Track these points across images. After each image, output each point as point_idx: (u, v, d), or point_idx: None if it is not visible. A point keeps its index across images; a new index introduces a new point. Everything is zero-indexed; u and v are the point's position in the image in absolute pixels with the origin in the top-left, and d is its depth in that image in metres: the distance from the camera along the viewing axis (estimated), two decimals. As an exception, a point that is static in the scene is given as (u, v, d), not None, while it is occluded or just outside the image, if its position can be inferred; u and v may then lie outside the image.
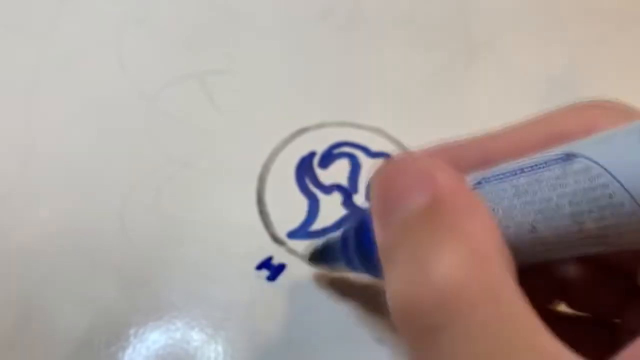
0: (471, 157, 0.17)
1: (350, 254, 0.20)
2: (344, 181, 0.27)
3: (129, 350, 0.22)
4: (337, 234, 0.22)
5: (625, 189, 0.13)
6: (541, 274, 0.19)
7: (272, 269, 0.24)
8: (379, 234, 0.15)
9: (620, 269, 0.17)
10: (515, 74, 0.31)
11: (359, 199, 0.27)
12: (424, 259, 0.13)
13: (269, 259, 0.25)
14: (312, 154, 0.28)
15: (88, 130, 0.28)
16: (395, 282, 0.14)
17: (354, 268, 0.20)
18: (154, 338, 0.23)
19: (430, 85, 0.31)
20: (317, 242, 0.24)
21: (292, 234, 0.25)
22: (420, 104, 0.30)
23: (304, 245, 0.25)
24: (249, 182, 0.27)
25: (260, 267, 0.24)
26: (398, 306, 0.14)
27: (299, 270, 0.24)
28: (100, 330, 0.23)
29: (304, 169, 0.27)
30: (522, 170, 0.15)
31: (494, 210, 0.15)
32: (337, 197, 0.27)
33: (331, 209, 0.26)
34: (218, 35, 0.32)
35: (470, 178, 0.16)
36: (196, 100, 0.29)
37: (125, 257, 0.24)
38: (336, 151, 0.28)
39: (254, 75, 0.30)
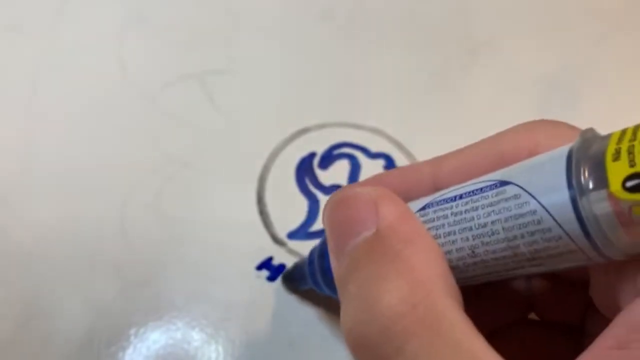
0: (423, 181, 0.18)
1: (316, 277, 0.20)
2: (343, 182, 0.27)
3: (130, 350, 0.22)
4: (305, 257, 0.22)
5: (550, 215, 0.13)
6: (507, 289, 0.20)
7: (273, 269, 0.24)
8: (334, 266, 0.16)
9: (580, 279, 0.17)
10: (515, 74, 0.32)
11: (359, 200, 0.27)
12: (369, 294, 0.14)
13: (269, 259, 0.25)
14: (312, 155, 0.28)
15: (88, 130, 0.28)
16: (347, 316, 0.15)
17: (320, 290, 0.21)
18: (155, 338, 0.23)
19: (430, 86, 0.31)
20: (289, 265, 0.24)
21: (293, 235, 0.25)
22: (420, 105, 0.30)
23: (304, 246, 0.25)
24: (249, 183, 0.27)
25: (260, 267, 0.25)
26: (350, 339, 0.14)
27: (299, 271, 0.25)
28: (100, 330, 0.23)
29: (304, 170, 0.27)
30: (460, 196, 0.15)
31: (435, 236, 0.16)
32: (337, 198, 0.27)
33: (331, 210, 0.26)
34: (218, 36, 0.32)
35: (416, 204, 0.17)
36: (196, 101, 0.29)
37: (125, 257, 0.24)
38: (336, 152, 0.28)
39: (254, 75, 0.30)
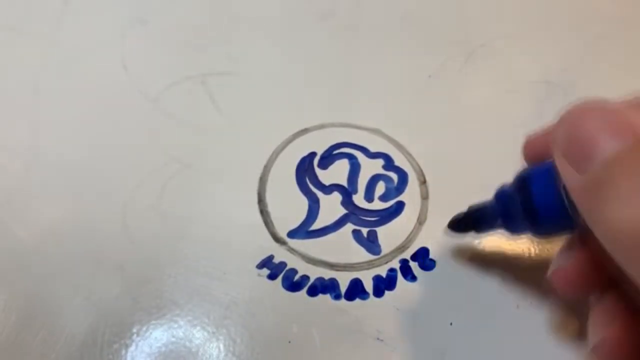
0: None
1: (512, 212, 0.21)
2: (343, 181, 0.27)
3: (132, 348, 0.23)
4: (479, 202, 0.23)
5: None
6: None
7: (273, 268, 0.25)
8: (574, 177, 0.17)
9: None
10: (512, 76, 0.32)
11: (359, 199, 0.27)
12: None
13: (270, 257, 0.25)
14: (312, 155, 0.28)
15: (91, 130, 0.28)
16: (624, 212, 0.15)
17: (512, 228, 0.22)
18: (157, 336, 0.23)
19: (428, 87, 0.31)
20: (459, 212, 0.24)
21: (293, 234, 0.26)
22: (418, 106, 0.30)
23: (304, 245, 0.25)
24: (250, 182, 0.27)
25: (261, 265, 0.25)
26: (631, 232, 0.15)
27: (301, 269, 0.25)
28: (103, 328, 0.23)
29: (304, 169, 0.28)
30: None
31: None
32: (336, 197, 0.27)
33: (331, 209, 0.26)
34: (220, 37, 0.32)
35: None
36: (198, 101, 0.30)
37: (127, 256, 0.25)
38: (336, 152, 0.28)
39: (255, 76, 0.31)
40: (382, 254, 0.25)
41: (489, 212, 0.23)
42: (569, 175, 0.18)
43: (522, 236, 0.22)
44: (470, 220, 0.24)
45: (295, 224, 0.26)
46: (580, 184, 0.17)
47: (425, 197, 0.27)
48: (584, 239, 0.20)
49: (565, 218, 0.19)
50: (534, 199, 0.20)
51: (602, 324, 0.20)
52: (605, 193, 0.16)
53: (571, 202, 0.18)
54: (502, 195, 0.22)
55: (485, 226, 0.23)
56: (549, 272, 0.21)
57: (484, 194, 0.24)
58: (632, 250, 0.15)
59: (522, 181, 0.21)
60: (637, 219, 0.15)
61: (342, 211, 0.27)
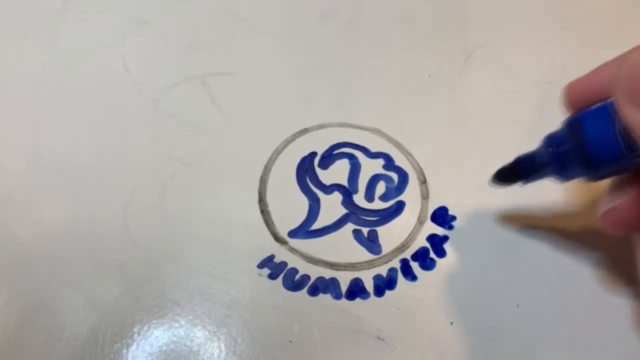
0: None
1: (564, 158, 0.21)
2: (344, 181, 0.27)
3: (133, 348, 0.23)
4: (526, 152, 0.23)
5: None
6: None
7: (274, 267, 0.25)
8: (634, 115, 0.18)
9: None
10: (512, 76, 0.32)
11: (359, 199, 0.27)
12: None
13: (271, 257, 0.25)
14: (312, 155, 0.28)
15: (92, 130, 0.28)
16: None
17: (564, 173, 0.21)
18: (157, 335, 0.23)
19: (428, 87, 0.31)
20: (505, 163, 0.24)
21: (293, 233, 0.26)
22: (418, 106, 0.30)
23: (305, 244, 0.25)
24: (250, 182, 0.27)
25: (262, 265, 0.25)
26: None
27: (301, 269, 0.25)
28: (104, 328, 0.23)
29: (305, 169, 0.28)
30: None
31: None
32: (337, 197, 0.27)
33: (331, 209, 0.27)
34: (220, 38, 0.32)
35: None
36: (199, 102, 0.30)
37: (128, 256, 0.25)
38: (336, 151, 0.28)
39: (255, 76, 0.31)
40: (383, 253, 0.26)
41: (538, 160, 0.22)
42: (631, 114, 0.18)
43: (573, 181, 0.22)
44: (518, 170, 0.23)
45: (295, 223, 0.26)
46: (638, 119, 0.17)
47: (425, 196, 0.27)
48: (636, 178, 0.20)
49: (620, 160, 0.19)
50: (588, 142, 0.20)
51: None
52: None
53: (629, 144, 0.18)
54: (552, 141, 0.22)
55: (535, 175, 0.23)
56: (600, 211, 0.21)
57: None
58: None
59: (574, 125, 0.20)
60: None
61: (343, 211, 0.27)
